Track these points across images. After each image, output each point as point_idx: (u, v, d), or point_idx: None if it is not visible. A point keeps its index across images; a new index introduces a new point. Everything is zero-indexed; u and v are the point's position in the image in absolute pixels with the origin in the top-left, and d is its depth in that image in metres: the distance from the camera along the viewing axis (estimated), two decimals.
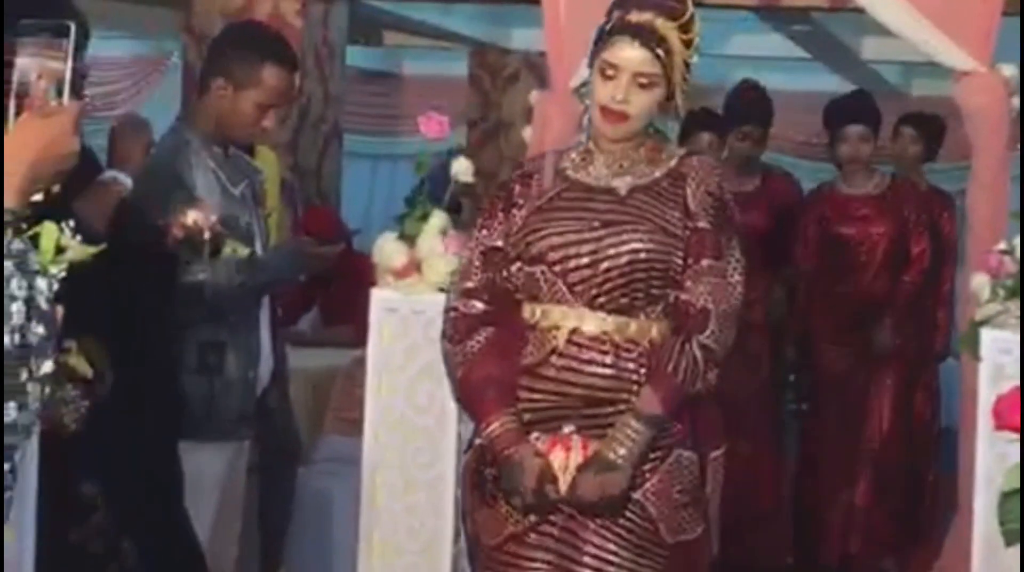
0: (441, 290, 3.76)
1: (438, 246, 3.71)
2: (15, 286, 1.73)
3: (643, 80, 3.12)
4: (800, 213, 6.53)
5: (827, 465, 6.33)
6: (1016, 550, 3.04)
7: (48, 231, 2.24)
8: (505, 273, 3.22)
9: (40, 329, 1.73)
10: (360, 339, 4.06)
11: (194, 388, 4.02)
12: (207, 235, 3.69)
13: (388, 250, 3.72)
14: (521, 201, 3.23)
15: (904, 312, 6.26)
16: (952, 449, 4.61)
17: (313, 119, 7.33)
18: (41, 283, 1.75)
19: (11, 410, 1.70)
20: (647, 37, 3.12)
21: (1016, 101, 4.67)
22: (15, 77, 1.87)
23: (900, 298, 6.26)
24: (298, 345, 5.70)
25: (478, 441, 3.23)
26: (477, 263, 3.25)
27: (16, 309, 1.72)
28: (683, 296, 3.14)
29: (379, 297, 3.74)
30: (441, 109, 4.10)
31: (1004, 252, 3.95)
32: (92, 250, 2.37)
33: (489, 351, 3.20)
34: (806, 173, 9.06)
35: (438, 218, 3.74)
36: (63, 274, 2.45)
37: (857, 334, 6.23)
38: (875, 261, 6.32)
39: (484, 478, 3.21)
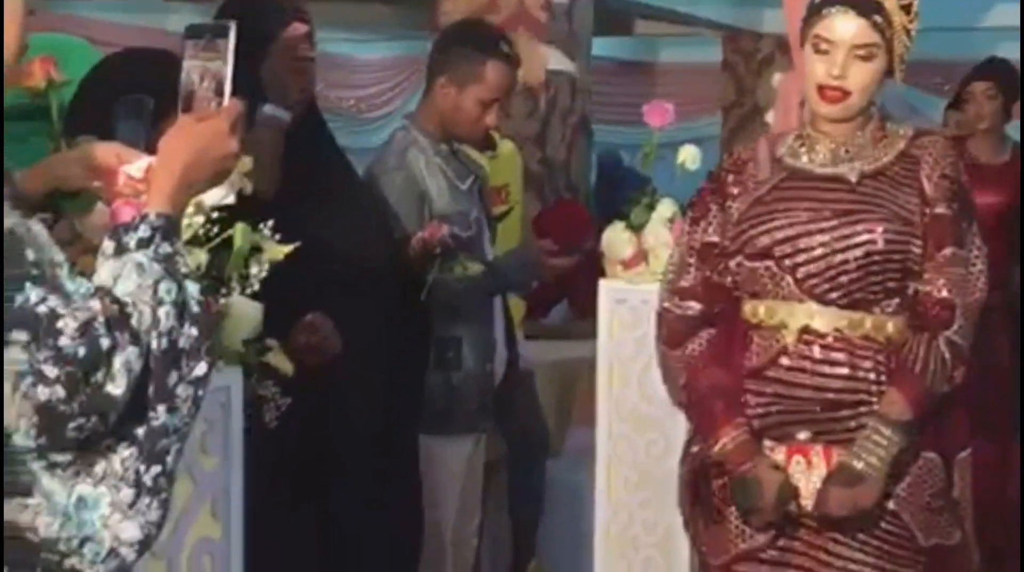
0: None
1: (665, 235, 3.67)
2: (163, 290, 1.73)
3: (861, 52, 2.93)
4: None
5: None
6: None
7: (241, 232, 2.27)
8: (722, 269, 3.06)
9: (192, 331, 1.74)
10: None
11: (433, 383, 4.08)
12: (439, 250, 3.75)
13: (615, 240, 3.70)
14: (735, 191, 3.06)
15: None
16: None
17: (561, 112, 7.34)
18: (191, 287, 1.76)
19: (161, 413, 1.72)
20: (863, 5, 2.93)
21: None
22: (181, 80, 1.87)
23: None
24: (549, 338, 5.72)
25: (695, 449, 3.10)
26: (691, 260, 3.08)
27: (164, 313, 1.72)
28: (924, 288, 2.95)
29: (607, 288, 3.72)
30: (696, 96, 4.05)
31: None
32: (287, 249, 2.40)
33: (712, 355, 3.03)
34: None
35: (665, 207, 3.70)
36: (264, 274, 2.51)
37: None
38: None
39: (706, 492, 3.07)
